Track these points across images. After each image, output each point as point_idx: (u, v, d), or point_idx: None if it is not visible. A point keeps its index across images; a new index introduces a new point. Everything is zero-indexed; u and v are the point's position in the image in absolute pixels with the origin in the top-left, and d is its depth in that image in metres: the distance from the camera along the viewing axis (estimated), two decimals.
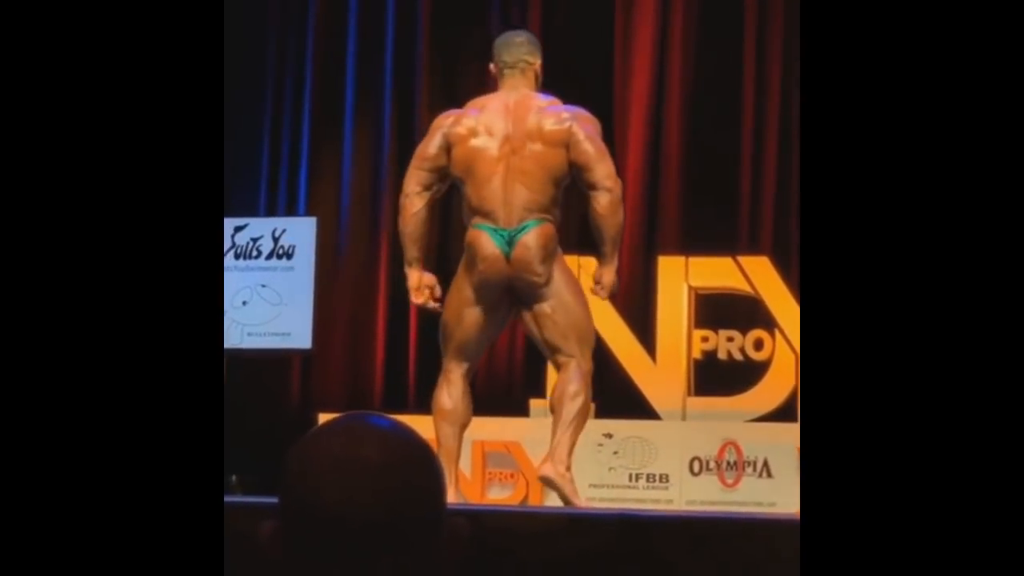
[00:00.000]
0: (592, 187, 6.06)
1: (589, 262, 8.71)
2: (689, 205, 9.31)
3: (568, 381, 6.05)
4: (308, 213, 9.50)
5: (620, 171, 9.36)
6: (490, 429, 8.05)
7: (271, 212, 9.66)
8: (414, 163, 6.28)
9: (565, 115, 6.07)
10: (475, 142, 6.05)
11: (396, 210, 9.57)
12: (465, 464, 7.75)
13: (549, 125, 6.04)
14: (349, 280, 9.67)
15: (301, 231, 8.89)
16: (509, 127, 6.03)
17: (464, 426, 6.17)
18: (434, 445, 5.96)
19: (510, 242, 5.99)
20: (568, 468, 5.96)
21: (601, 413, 8.27)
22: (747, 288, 8.59)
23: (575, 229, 9.06)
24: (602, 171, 6.05)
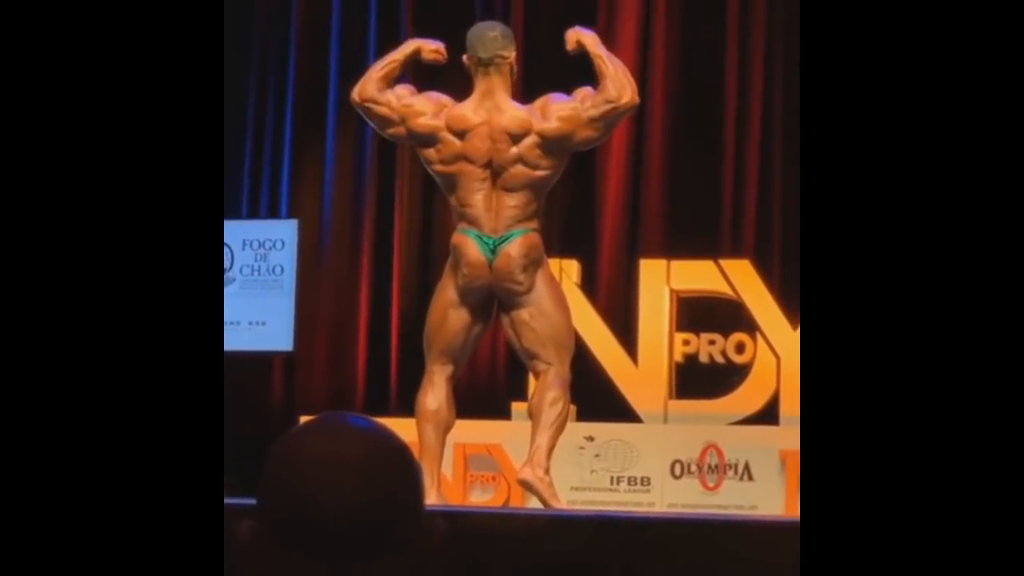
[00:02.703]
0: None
1: (570, 265, 8.77)
2: (671, 209, 9.32)
3: (547, 388, 6.06)
4: (290, 215, 9.50)
5: (602, 174, 9.45)
6: (472, 431, 8.05)
7: (253, 214, 9.66)
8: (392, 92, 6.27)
9: (542, 132, 6.06)
10: (457, 167, 6.07)
11: (378, 213, 9.71)
12: (447, 466, 7.74)
13: (532, 151, 6.05)
14: (331, 282, 9.67)
15: (283, 233, 8.90)
16: (490, 150, 6.04)
17: (447, 429, 6.18)
18: (416, 447, 5.96)
19: (494, 250, 6.02)
20: (547, 471, 5.97)
21: (582, 416, 8.27)
22: (729, 291, 8.60)
23: (557, 233, 9.10)
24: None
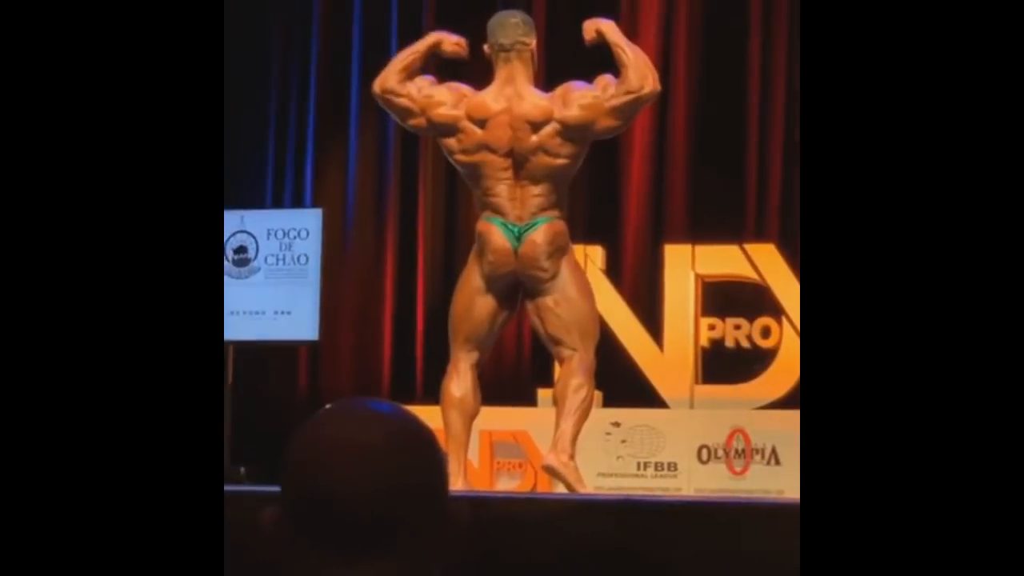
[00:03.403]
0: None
1: (595, 251, 8.77)
2: (695, 193, 9.31)
3: (571, 374, 6.07)
4: (314, 204, 9.50)
5: (626, 160, 9.43)
6: (498, 419, 8.06)
7: (277, 204, 9.67)
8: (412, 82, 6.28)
9: (564, 121, 6.06)
10: (479, 158, 6.08)
11: (402, 201, 9.71)
12: (473, 454, 7.74)
13: (554, 139, 6.05)
14: (356, 271, 9.68)
15: (307, 222, 8.90)
16: (511, 139, 6.05)
17: (472, 416, 6.18)
18: (442, 434, 5.97)
19: (519, 237, 6.03)
20: (572, 457, 5.98)
21: (609, 402, 8.26)
22: (754, 276, 8.59)
23: (582, 219, 9.09)
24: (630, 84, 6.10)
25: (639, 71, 6.11)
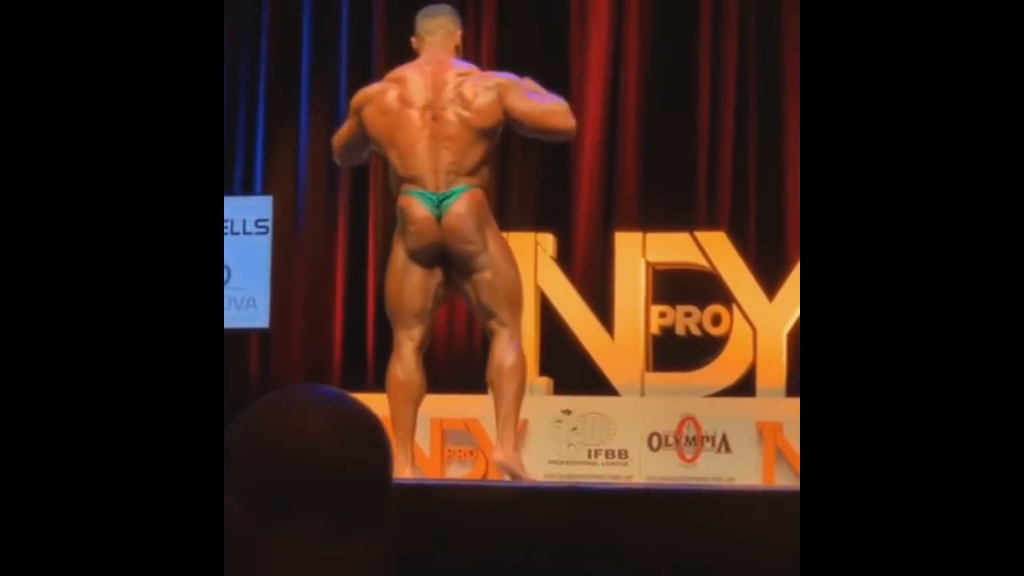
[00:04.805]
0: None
1: (546, 238, 8.77)
2: (646, 181, 9.33)
3: (504, 354, 6.09)
4: (264, 192, 9.48)
5: (577, 147, 9.44)
6: (449, 407, 8.05)
7: (227, 191, 9.63)
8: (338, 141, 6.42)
9: (483, 82, 6.12)
10: (395, 115, 6.08)
11: (353, 187, 9.69)
12: (424, 442, 7.75)
13: (469, 91, 6.07)
14: (306, 258, 9.66)
15: (258, 210, 8.87)
16: (430, 96, 6.08)
17: (418, 401, 6.17)
18: (389, 422, 5.96)
19: (439, 205, 6.02)
20: (515, 448, 6.03)
21: (559, 389, 8.28)
22: (704, 263, 8.61)
23: (532, 206, 9.10)
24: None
25: (565, 105, 6.20)
